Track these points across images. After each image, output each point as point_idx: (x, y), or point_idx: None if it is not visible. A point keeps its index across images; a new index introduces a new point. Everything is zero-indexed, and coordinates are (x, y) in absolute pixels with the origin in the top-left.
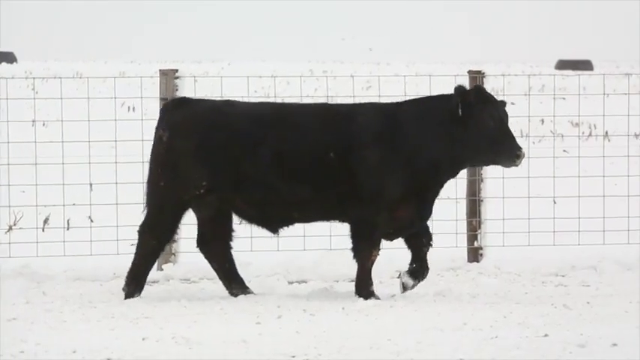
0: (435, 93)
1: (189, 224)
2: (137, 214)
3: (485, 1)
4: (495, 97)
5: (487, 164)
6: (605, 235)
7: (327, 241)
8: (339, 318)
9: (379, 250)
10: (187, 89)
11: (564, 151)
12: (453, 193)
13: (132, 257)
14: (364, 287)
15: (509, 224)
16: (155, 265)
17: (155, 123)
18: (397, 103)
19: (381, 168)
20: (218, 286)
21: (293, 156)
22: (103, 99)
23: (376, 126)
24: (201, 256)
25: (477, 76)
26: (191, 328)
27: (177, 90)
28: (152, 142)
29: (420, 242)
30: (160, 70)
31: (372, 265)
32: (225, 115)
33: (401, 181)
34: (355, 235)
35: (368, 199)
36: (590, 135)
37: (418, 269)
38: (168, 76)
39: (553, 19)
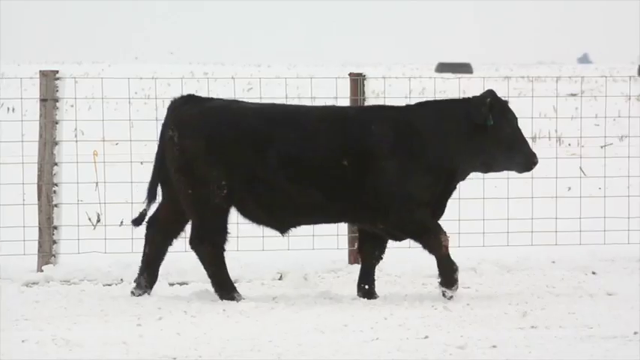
0: (319, 95)
1: (67, 225)
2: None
3: (364, 4)
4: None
5: (501, 170)
6: (485, 237)
7: None
8: (220, 320)
9: (446, 233)
10: (68, 90)
11: None
12: None
13: None
14: (448, 275)
15: None
16: (35, 266)
17: (37, 123)
18: (414, 106)
19: (407, 174)
20: (98, 288)
21: (311, 160)
22: None
23: (395, 131)
24: (81, 257)
25: (357, 78)
26: (71, 329)
27: (57, 91)
28: (160, 141)
29: (372, 255)
30: (40, 72)
31: (447, 251)
32: (234, 113)
33: (426, 186)
34: (413, 237)
35: (400, 204)
36: None
37: (369, 291)
38: (49, 77)
39: (433, 22)
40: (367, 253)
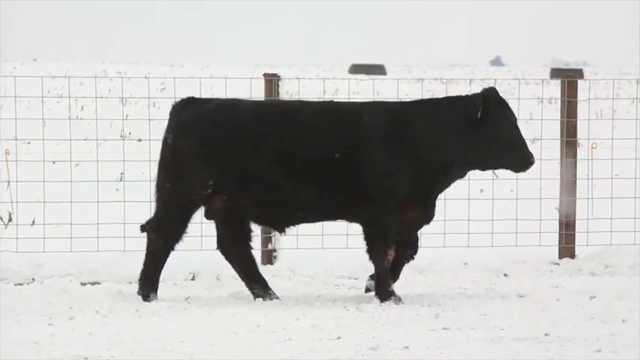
0: (232, 95)
1: None
2: None
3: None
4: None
5: (496, 168)
6: None
7: (120, 243)
8: (132, 320)
9: (393, 248)
10: None
11: None
12: None
13: None
14: (383, 288)
15: (303, 227)
16: None
17: None
18: (411, 102)
19: (391, 168)
20: (10, 287)
21: (300, 155)
22: None
23: (386, 125)
24: None
25: (272, 79)
26: None
27: None
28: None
29: (404, 253)
30: None
31: (388, 265)
32: (228, 114)
33: (409, 179)
34: (368, 236)
35: (376, 200)
36: None
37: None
38: None
39: (346, 23)
40: (399, 254)
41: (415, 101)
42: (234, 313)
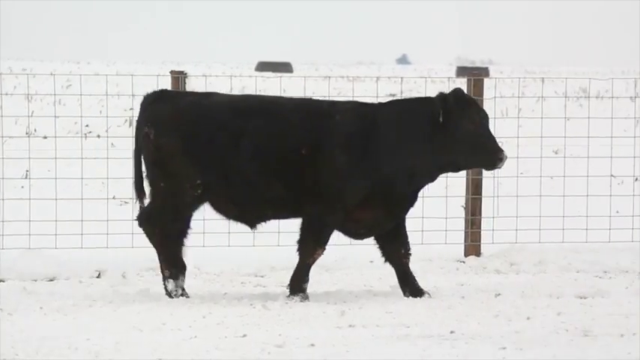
0: (139, 92)
1: None
2: None
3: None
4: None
5: (469, 168)
6: None
7: (25, 240)
8: (37, 318)
9: (324, 249)
10: None
11: None
12: None
13: None
14: (297, 282)
15: (210, 225)
16: None
17: None
18: (379, 104)
19: (346, 170)
20: None
21: (267, 152)
22: None
23: (351, 126)
24: None
25: (179, 76)
26: None
27: None
28: (135, 137)
29: (398, 254)
30: None
31: (312, 263)
32: (206, 109)
33: (364, 185)
34: (303, 230)
35: (325, 198)
36: None
37: (414, 289)
38: None
39: (252, 20)
40: (393, 256)
41: (387, 103)
42: (139, 311)
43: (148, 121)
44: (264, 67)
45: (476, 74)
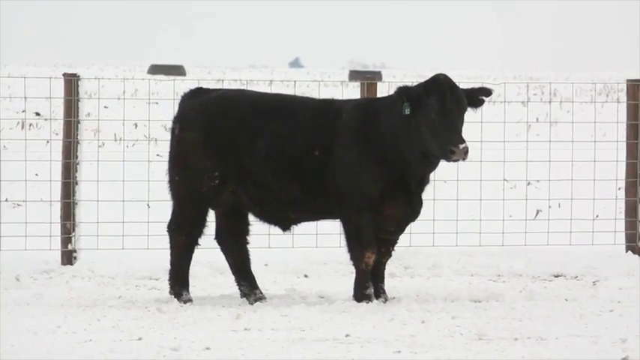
0: (31, 95)
1: None
2: None
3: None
4: (453, 86)
5: (437, 158)
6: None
7: None
8: None
9: (373, 250)
10: None
11: (158, 155)
12: (47, 195)
13: None
14: (359, 289)
15: (104, 227)
16: None
17: None
18: (377, 98)
19: (362, 164)
20: None
21: (284, 152)
22: None
23: (356, 123)
24: None
25: (72, 79)
26: None
27: None
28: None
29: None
30: None
31: (367, 267)
32: (231, 104)
33: (376, 178)
34: (345, 238)
35: (351, 197)
36: None
37: (377, 291)
38: None
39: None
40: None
41: (383, 97)
42: (34, 314)
43: (175, 118)
44: (156, 70)
45: (369, 78)
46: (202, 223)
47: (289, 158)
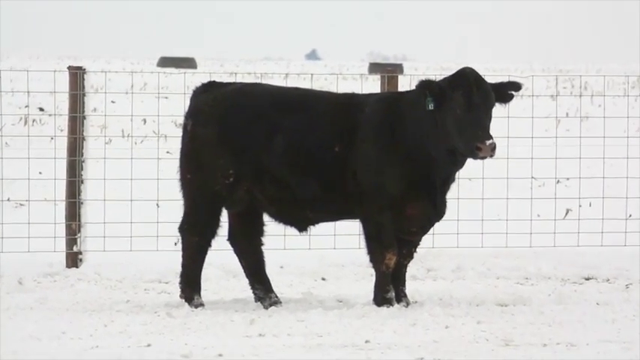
0: (34, 89)
1: None
2: None
3: None
4: (480, 80)
5: (463, 155)
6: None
7: None
8: None
9: (393, 252)
10: None
11: (168, 152)
12: (51, 194)
13: None
14: (380, 293)
15: (111, 228)
16: None
17: None
18: (401, 92)
19: (385, 161)
20: None
21: (304, 148)
22: None
23: (378, 118)
24: None
25: (77, 72)
26: None
27: None
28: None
29: (399, 253)
30: None
31: (387, 269)
32: (245, 98)
33: (400, 176)
34: (365, 237)
35: (372, 195)
36: None
37: (399, 295)
38: None
39: (154, 15)
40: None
41: (407, 91)
42: (37, 319)
43: (188, 113)
44: (166, 62)
45: (390, 71)
46: (216, 224)
47: (308, 154)
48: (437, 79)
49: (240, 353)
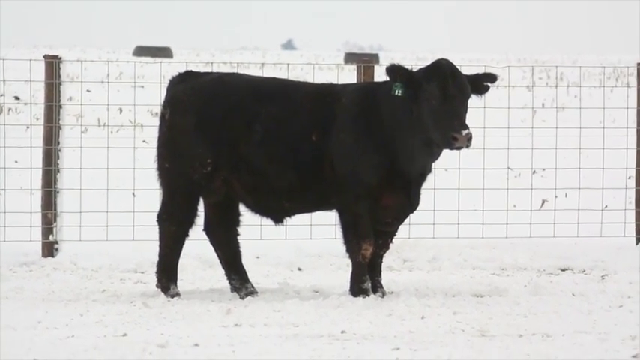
0: (10, 78)
1: None
2: None
3: None
4: (455, 72)
5: (439, 146)
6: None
7: None
8: None
9: (370, 242)
10: None
11: (144, 141)
12: (27, 183)
13: None
14: (356, 283)
15: (87, 217)
16: None
17: None
18: (378, 82)
19: (360, 149)
20: None
21: (281, 137)
22: None
23: (355, 108)
24: None
25: (53, 61)
26: None
27: None
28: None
29: (375, 242)
30: None
31: (364, 260)
32: (224, 88)
33: (376, 165)
34: (341, 227)
35: (349, 184)
36: None
37: (375, 285)
38: None
39: (130, 2)
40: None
41: (384, 82)
42: (13, 308)
43: (166, 102)
44: (142, 51)
45: (366, 61)
46: (194, 213)
47: (286, 144)
48: (412, 69)
49: (217, 343)
